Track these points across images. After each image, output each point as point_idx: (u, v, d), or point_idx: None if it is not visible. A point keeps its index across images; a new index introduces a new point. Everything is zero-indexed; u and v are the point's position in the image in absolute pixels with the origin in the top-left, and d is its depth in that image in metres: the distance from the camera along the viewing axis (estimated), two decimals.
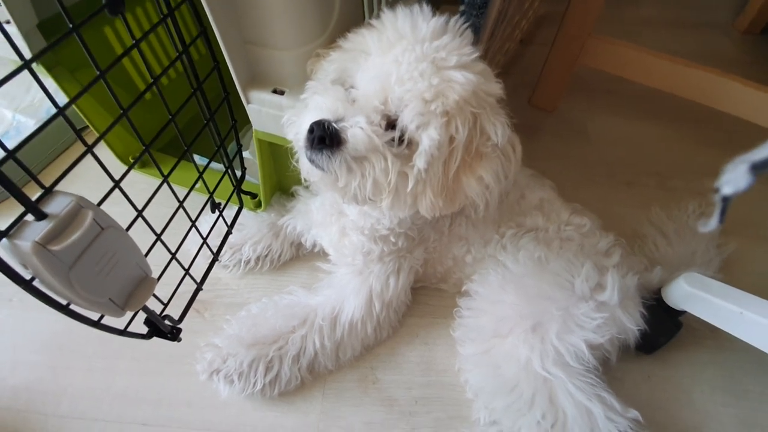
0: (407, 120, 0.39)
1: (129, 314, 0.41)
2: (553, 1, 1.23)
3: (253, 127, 0.54)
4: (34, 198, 0.30)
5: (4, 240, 0.28)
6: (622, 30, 1.28)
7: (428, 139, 0.39)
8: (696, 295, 0.54)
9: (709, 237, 0.71)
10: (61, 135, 0.88)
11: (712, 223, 0.42)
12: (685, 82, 0.82)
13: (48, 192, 0.31)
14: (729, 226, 0.72)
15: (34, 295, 0.32)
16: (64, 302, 0.34)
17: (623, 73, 0.87)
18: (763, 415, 0.58)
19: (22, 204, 0.28)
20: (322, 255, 0.67)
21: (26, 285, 0.31)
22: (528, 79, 1.04)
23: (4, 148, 0.28)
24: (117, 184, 0.37)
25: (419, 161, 0.40)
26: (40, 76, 0.29)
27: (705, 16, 1.37)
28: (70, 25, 0.31)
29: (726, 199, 0.40)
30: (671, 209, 0.76)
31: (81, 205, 0.31)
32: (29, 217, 0.29)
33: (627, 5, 1.40)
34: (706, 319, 0.54)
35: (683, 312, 0.57)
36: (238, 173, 0.63)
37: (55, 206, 0.30)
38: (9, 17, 0.55)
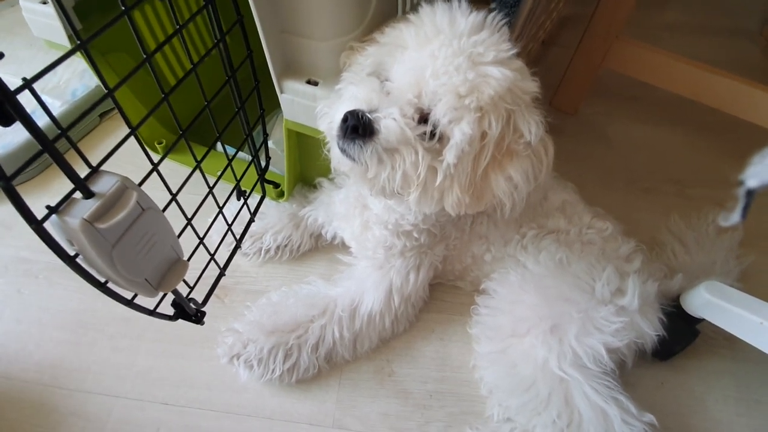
0: (440, 114, 0.40)
1: (159, 295, 0.42)
2: (577, 2, 1.22)
3: (284, 117, 0.54)
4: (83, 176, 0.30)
5: (54, 216, 0.29)
6: (646, 34, 1.26)
7: (460, 133, 0.40)
8: (716, 304, 0.53)
9: (728, 247, 0.70)
10: (84, 120, 0.89)
11: (734, 218, 0.41)
12: (710, 90, 0.81)
13: (95, 171, 0.32)
14: (747, 238, 0.72)
15: (76, 272, 0.33)
16: (102, 280, 0.35)
17: (647, 77, 0.86)
18: None
19: (73, 182, 0.29)
20: (341, 247, 0.67)
21: (70, 261, 0.31)
22: (549, 80, 1.03)
23: (59, 126, 0.29)
24: (155, 167, 0.38)
25: (449, 155, 0.40)
26: (72, 59, 0.30)
27: (732, 23, 1.35)
28: (123, 7, 0.31)
29: (750, 193, 0.38)
30: (690, 218, 0.75)
31: (126, 185, 0.32)
32: (77, 195, 0.30)
33: (652, 9, 1.38)
34: (725, 328, 0.54)
35: (701, 320, 0.57)
36: (263, 163, 0.64)
37: (102, 185, 0.31)
38: None
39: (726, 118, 0.82)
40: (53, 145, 0.27)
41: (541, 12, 0.87)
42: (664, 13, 1.39)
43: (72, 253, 0.32)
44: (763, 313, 0.51)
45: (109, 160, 0.32)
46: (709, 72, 0.80)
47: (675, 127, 0.99)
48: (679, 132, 0.98)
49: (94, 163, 0.32)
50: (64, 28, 0.57)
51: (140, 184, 0.36)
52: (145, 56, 0.34)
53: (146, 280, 0.37)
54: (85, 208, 0.30)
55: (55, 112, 0.89)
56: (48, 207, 0.29)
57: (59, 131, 0.29)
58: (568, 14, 1.28)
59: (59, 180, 0.77)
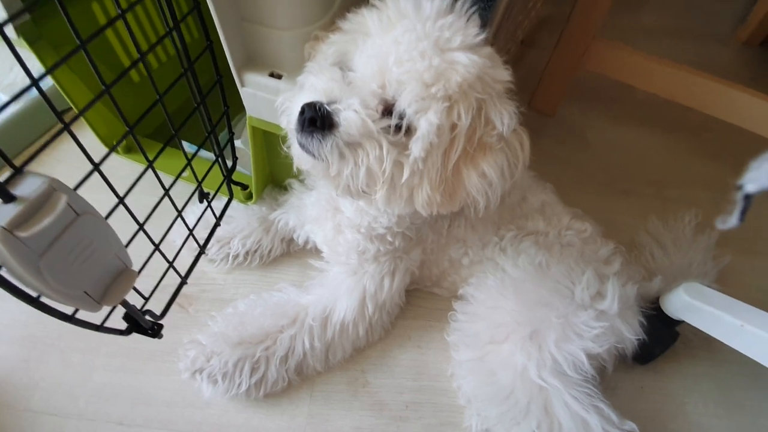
0: (405, 104, 0.37)
1: (106, 309, 0.38)
2: (556, 3, 1.22)
3: (247, 113, 0.51)
4: (3, 179, 0.27)
5: None
6: (623, 37, 1.25)
7: (427, 123, 0.37)
8: (695, 306, 0.53)
9: (705, 248, 0.70)
10: (43, 118, 0.84)
11: (732, 221, 0.41)
12: (686, 90, 0.82)
13: (18, 172, 0.28)
14: (723, 239, 0.72)
15: (1, 286, 0.29)
16: (34, 294, 0.31)
17: (625, 78, 0.86)
18: (755, 429, 0.58)
19: None
20: (314, 252, 0.64)
21: None
22: (528, 81, 1.02)
23: None
24: (96, 167, 0.34)
25: (416, 148, 0.38)
26: (21, 51, 0.26)
27: (706, 26, 1.37)
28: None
29: (749, 197, 0.38)
30: (668, 219, 0.75)
31: (54, 187, 0.28)
32: None
33: (628, 12, 1.40)
34: (705, 330, 0.53)
35: (680, 322, 0.57)
36: (229, 163, 0.60)
37: (26, 188, 0.27)
38: None
39: (702, 117, 0.83)
40: None
41: (519, 11, 0.86)
42: (640, 16, 1.40)
43: None
44: (744, 316, 0.50)
45: (61, 163, 0.28)
46: (685, 72, 0.80)
47: (652, 128, 0.99)
48: (657, 133, 0.98)
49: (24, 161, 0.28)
50: (6, 11, 0.53)
51: (77, 186, 0.32)
52: (80, 43, 0.31)
53: (86, 293, 0.33)
54: (4, 213, 0.26)
55: (9, 111, 0.85)
56: None
57: None
58: (547, 14, 1.28)
59: None
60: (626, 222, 0.78)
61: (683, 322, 0.56)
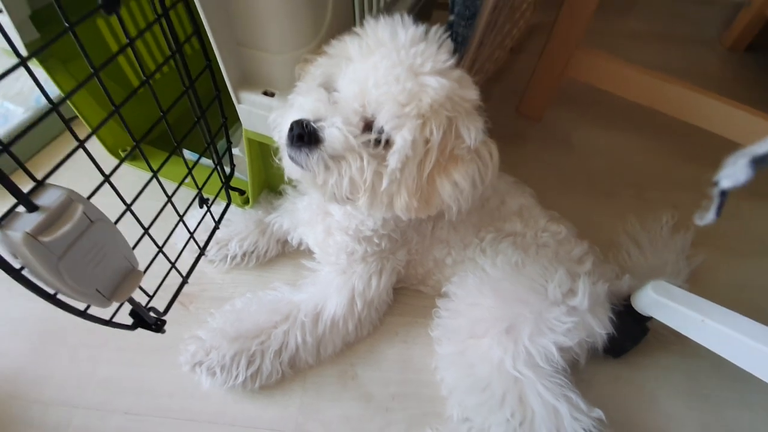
0: (383, 121, 0.42)
1: (115, 305, 0.42)
2: (546, 10, 1.26)
3: (243, 127, 0.55)
4: (25, 189, 0.31)
5: None
6: (609, 43, 1.31)
7: (402, 139, 0.42)
8: (661, 303, 0.56)
9: (680, 248, 0.74)
10: (49, 125, 0.87)
11: (709, 217, 0.43)
12: (663, 97, 0.85)
13: (40, 185, 0.32)
14: (700, 237, 0.76)
15: (23, 284, 0.33)
16: (51, 292, 0.35)
17: (606, 86, 0.90)
18: (723, 419, 0.61)
19: (15, 196, 0.30)
20: (308, 253, 0.68)
21: (16, 274, 0.32)
22: (517, 87, 1.06)
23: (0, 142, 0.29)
24: (107, 178, 0.38)
25: (393, 160, 0.42)
26: (31, 67, 0.30)
27: (692, 31, 1.40)
28: (66, 24, 0.32)
29: (724, 193, 0.41)
30: (646, 220, 0.78)
31: (72, 198, 0.32)
32: (21, 209, 0.31)
33: (615, 18, 1.43)
34: (671, 325, 0.56)
35: (650, 318, 0.60)
36: (227, 169, 0.64)
37: (47, 198, 0.31)
38: (2, 7, 0.55)
39: (682, 122, 0.86)
40: None
41: (505, 21, 0.89)
42: (627, 22, 1.44)
43: (17, 266, 0.32)
44: (704, 311, 0.54)
45: (70, 169, 0.32)
46: (661, 80, 0.83)
47: (634, 132, 1.03)
48: (639, 137, 1.02)
49: (45, 174, 0.32)
50: (21, 36, 0.57)
51: (90, 196, 0.36)
52: (93, 71, 0.35)
53: (98, 290, 0.37)
54: (29, 221, 0.30)
55: (18, 119, 0.89)
56: None
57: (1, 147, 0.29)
58: (537, 22, 1.32)
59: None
60: (606, 222, 0.81)
61: (653, 318, 0.59)
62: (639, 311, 0.60)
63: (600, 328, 0.56)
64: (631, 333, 0.62)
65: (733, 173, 0.39)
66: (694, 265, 0.74)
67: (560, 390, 0.52)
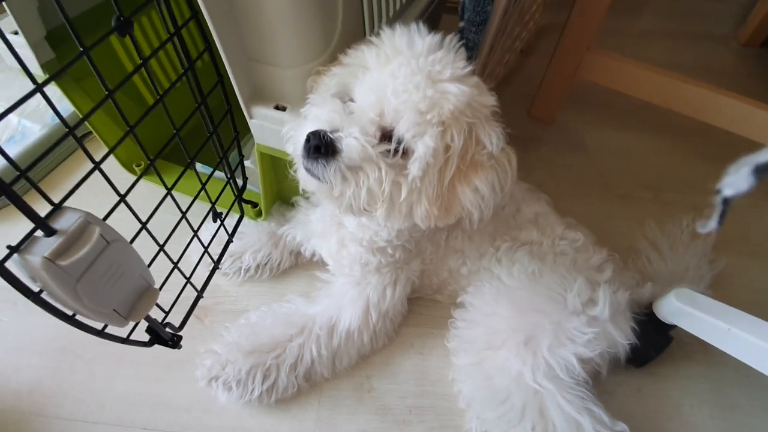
0: (403, 129, 0.41)
1: (132, 323, 0.42)
2: (555, 11, 1.25)
3: (255, 141, 0.55)
4: (41, 209, 0.31)
5: (15, 255, 0.30)
6: (622, 42, 1.29)
7: (423, 146, 0.41)
8: (685, 311, 0.55)
9: (701, 253, 0.72)
10: (64, 143, 0.88)
11: (711, 225, 0.42)
12: (678, 97, 0.83)
13: (57, 208, 0.32)
14: (721, 242, 0.74)
15: (42, 307, 0.33)
16: (70, 313, 0.35)
17: (619, 87, 0.88)
18: (750, 429, 0.60)
19: (33, 221, 0.30)
20: (321, 264, 0.68)
21: (35, 297, 0.32)
22: (528, 89, 1.05)
23: (17, 167, 0.29)
24: (123, 198, 0.39)
25: (414, 168, 0.42)
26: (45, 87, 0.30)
27: (706, 28, 1.38)
28: (81, 48, 0.32)
29: (727, 201, 0.40)
30: (665, 224, 0.77)
31: (88, 221, 0.32)
32: (39, 233, 0.31)
33: (628, 17, 1.41)
34: (695, 334, 0.55)
35: (674, 326, 0.59)
36: (240, 182, 0.64)
37: (64, 222, 0.32)
38: (17, 28, 0.56)
39: (699, 122, 0.84)
40: (11, 188, 0.27)
41: (515, 25, 0.88)
42: (639, 20, 1.42)
43: (36, 289, 0.32)
44: (730, 320, 0.52)
45: (84, 186, 0.32)
46: (675, 79, 0.82)
47: (650, 133, 1.01)
48: (654, 138, 1.00)
49: (62, 194, 0.32)
50: (37, 57, 0.58)
51: (106, 217, 0.36)
52: (107, 93, 0.35)
53: (115, 310, 0.37)
54: (47, 245, 0.30)
55: (34, 137, 0.90)
56: (9, 247, 0.29)
57: (18, 172, 0.29)
58: (547, 23, 1.31)
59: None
60: (624, 227, 0.80)
61: (676, 326, 0.58)
62: (662, 320, 0.58)
63: (622, 338, 0.54)
64: (654, 342, 0.60)
65: (736, 181, 0.38)
66: (716, 270, 0.72)
67: (582, 403, 0.51)
